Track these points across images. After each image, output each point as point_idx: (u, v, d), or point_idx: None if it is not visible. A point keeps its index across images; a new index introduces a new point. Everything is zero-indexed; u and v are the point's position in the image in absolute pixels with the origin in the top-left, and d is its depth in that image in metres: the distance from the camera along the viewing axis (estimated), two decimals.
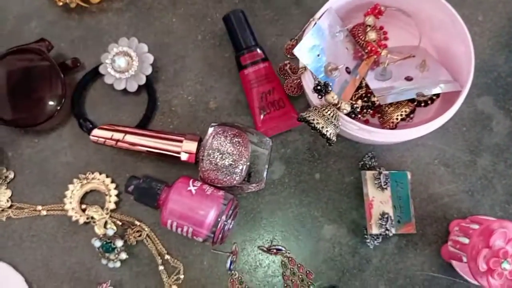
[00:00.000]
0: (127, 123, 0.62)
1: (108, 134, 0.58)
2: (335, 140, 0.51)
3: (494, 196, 0.59)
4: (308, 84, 0.54)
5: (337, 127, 0.51)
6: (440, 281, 0.57)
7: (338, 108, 0.52)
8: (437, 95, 0.59)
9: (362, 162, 0.59)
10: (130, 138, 0.58)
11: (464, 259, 0.51)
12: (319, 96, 0.52)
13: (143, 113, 0.62)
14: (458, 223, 0.56)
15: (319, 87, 0.52)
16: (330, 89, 0.52)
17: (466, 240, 0.51)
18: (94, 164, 0.62)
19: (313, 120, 0.51)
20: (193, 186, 0.54)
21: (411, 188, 0.57)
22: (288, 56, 0.63)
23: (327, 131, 0.50)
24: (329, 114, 0.51)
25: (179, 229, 0.54)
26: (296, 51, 0.53)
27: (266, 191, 0.60)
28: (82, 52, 0.65)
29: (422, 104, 0.58)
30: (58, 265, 0.59)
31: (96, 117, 0.63)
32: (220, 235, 0.53)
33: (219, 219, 0.53)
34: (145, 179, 0.56)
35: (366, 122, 0.60)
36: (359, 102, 0.55)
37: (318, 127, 0.50)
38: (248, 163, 0.55)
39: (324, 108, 0.51)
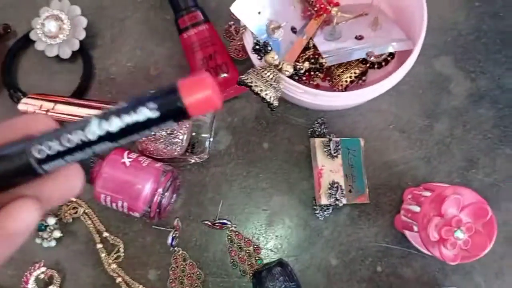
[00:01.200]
0: (62, 93, 0.57)
1: (37, 103, 0.54)
2: (276, 104, 0.47)
3: (452, 162, 0.55)
4: (249, 44, 0.50)
5: (278, 90, 0.47)
6: (394, 252, 0.53)
7: (280, 70, 0.48)
8: (392, 56, 0.55)
9: (312, 130, 0.55)
10: (61, 107, 0.54)
11: (416, 229, 0.48)
12: (259, 57, 0.48)
13: (79, 82, 0.58)
14: (411, 191, 0.52)
15: (257, 47, 0.48)
16: (269, 48, 0.47)
17: (418, 209, 0.48)
18: None
19: (251, 82, 0.46)
20: (128, 158, 0.50)
21: (364, 156, 0.54)
22: (235, 17, 0.59)
23: (266, 94, 0.46)
24: (269, 76, 0.47)
25: (114, 204, 0.50)
26: (234, 8, 0.48)
27: (211, 162, 0.56)
28: (14, 18, 0.60)
29: (376, 66, 0.54)
30: None
31: (29, 87, 0.58)
32: (158, 209, 0.50)
33: (156, 192, 0.49)
34: None
35: (317, 87, 0.56)
36: (306, 64, 0.51)
37: (256, 90, 0.46)
38: (189, 133, 0.51)
39: (263, 70, 0.47)
